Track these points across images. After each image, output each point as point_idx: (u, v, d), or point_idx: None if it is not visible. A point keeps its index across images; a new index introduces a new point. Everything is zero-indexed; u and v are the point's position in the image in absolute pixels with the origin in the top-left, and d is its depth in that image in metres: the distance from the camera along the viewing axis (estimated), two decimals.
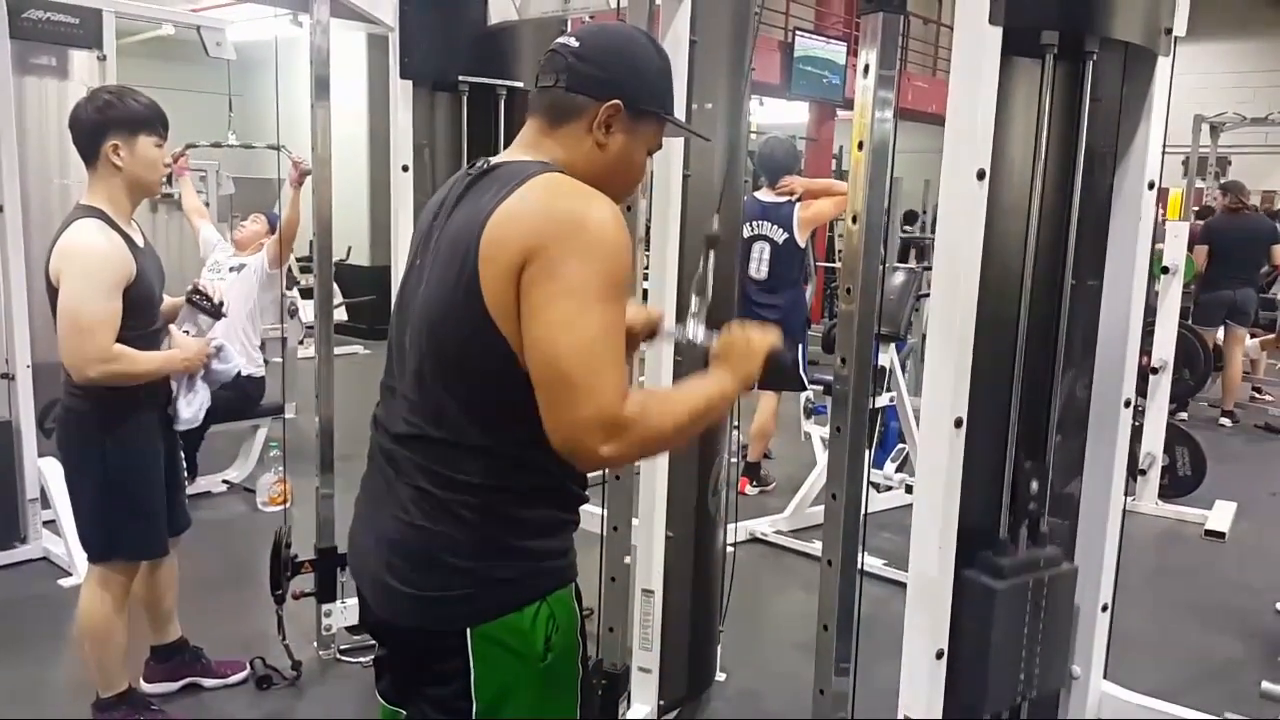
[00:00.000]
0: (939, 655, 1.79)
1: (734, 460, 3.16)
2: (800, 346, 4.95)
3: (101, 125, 2.46)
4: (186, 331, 2.84)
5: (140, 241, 2.55)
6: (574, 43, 1.41)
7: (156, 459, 2.62)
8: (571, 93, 1.40)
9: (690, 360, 2.42)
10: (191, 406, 2.75)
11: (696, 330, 1.62)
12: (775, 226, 4.78)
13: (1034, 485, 1.87)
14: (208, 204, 5.92)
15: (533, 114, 1.45)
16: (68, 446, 2.58)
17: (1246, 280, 7.11)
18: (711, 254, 1.72)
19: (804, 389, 5.02)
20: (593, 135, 1.40)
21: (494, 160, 1.43)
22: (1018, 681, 1.88)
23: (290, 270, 7.10)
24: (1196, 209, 8.45)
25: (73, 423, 2.53)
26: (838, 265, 10.65)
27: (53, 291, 2.42)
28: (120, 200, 2.51)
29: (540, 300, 1.25)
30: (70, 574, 3.73)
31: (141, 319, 2.50)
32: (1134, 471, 4.81)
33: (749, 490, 5.09)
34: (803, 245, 4.83)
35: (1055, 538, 1.95)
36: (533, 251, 1.25)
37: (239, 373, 4.59)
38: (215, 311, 2.89)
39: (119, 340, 2.41)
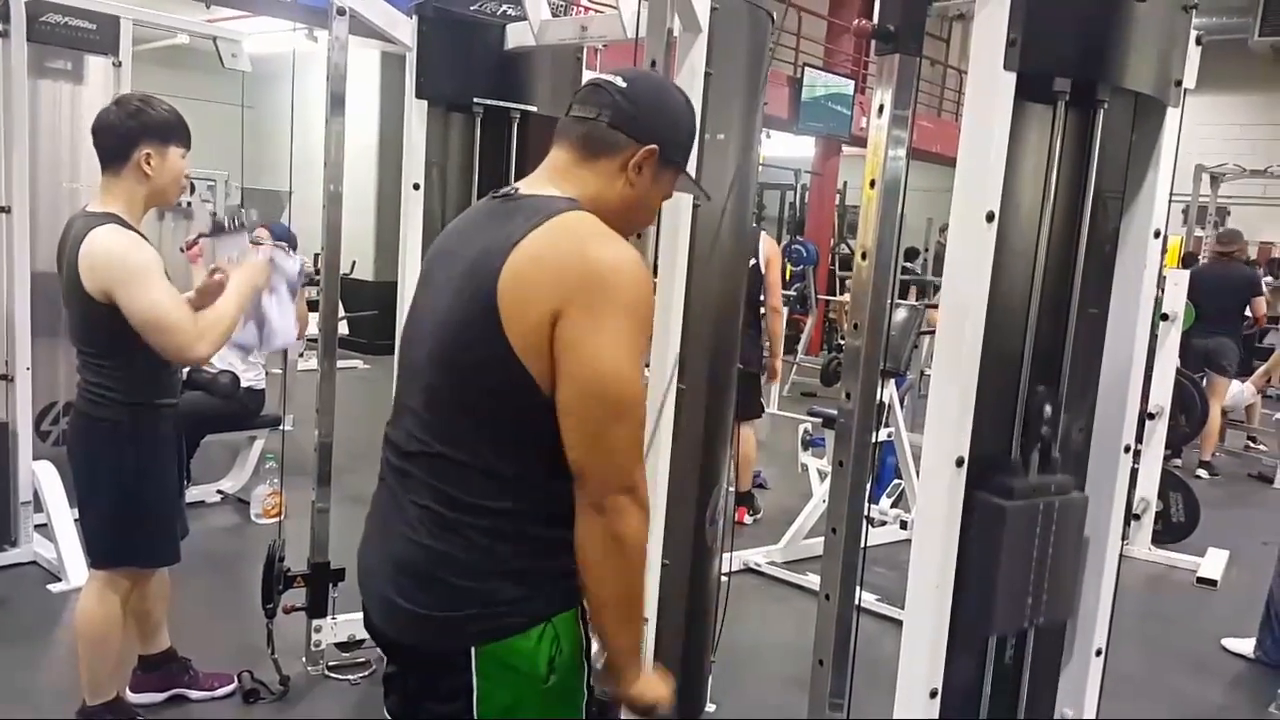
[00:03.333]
0: (932, 695, 1.79)
1: (730, 489, 3.16)
2: (760, 376, 5.01)
3: (136, 132, 2.45)
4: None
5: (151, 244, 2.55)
6: (620, 82, 1.45)
7: (171, 467, 2.62)
8: (614, 129, 1.43)
9: (693, 390, 2.44)
10: (286, 318, 2.67)
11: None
12: None
13: (1047, 410, 1.85)
14: (214, 214, 5.93)
15: (565, 142, 1.47)
16: (84, 452, 2.56)
17: (1222, 330, 6.96)
18: None
19: (760, 414, 5.10)
20: (625, 174, 1.44)
21: (521, 189, 1.45)
22: (1025, 605, 1.86)
23: None
24: (1182, 256, 8.48)
25: (90, 430, 2.52)
26: (837, 298, 10.73)
27: (82, 304, 2.40)
28: (136, 207, 2.51)
29: (586, 355, 1.31)
30: (60, 579, 3.72)
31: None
32: (1128, 516, 4.81)
33: (747, 520, 5.09)
34: (763, 272, 4.94)
35: (1067, 467, 1.94)
36: (567, 301, 1.29)
37: (238, 382, 4.60)
38: (238, 226, 2.78)
39: (136, 345, 2.39)
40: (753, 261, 4.83)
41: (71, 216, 2.53)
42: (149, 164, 2.47)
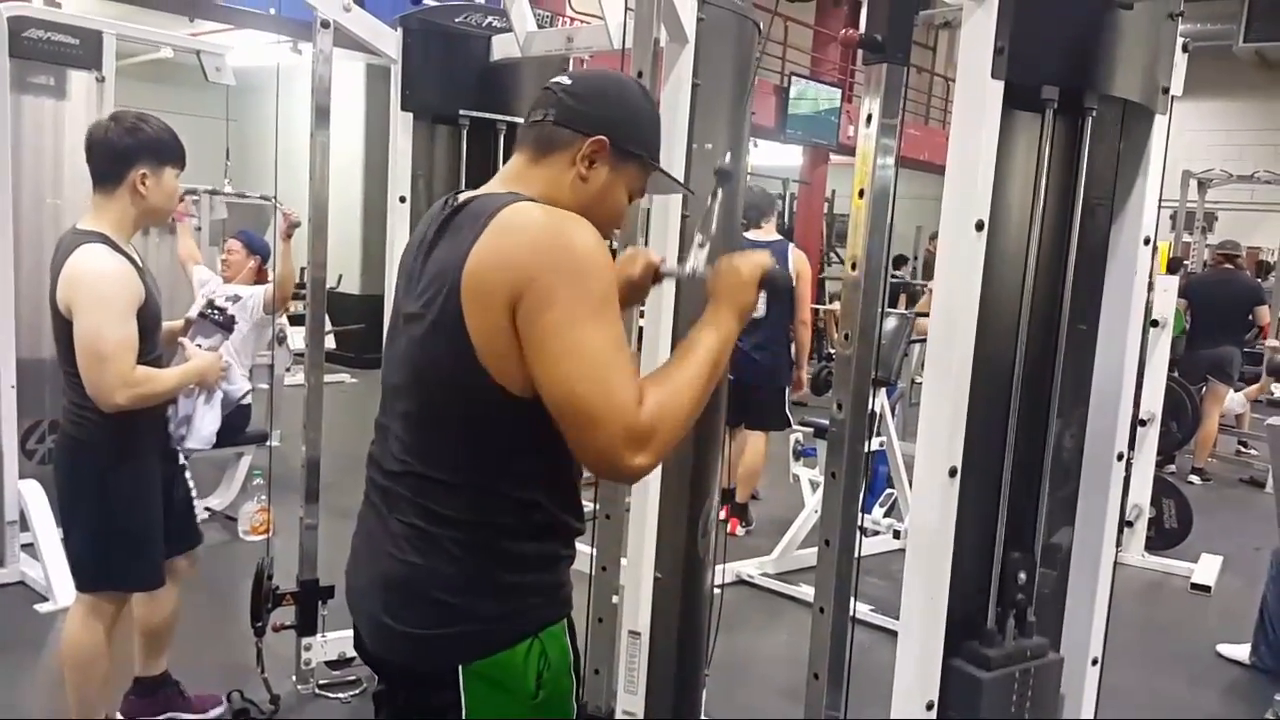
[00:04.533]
0: (929, 707, 1.77)
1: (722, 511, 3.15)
2: (786, 389, 4.98)
3: (133, 151, 2.41)
4: (199, 345, 2.80)
5: (139, 263, 2.51)
6: (566, 80, 1.45)
7: (155, 489, 2.57)
8: (559, 126, 1.42)
9: (691, 292, 2.40)
10: (206, 426, 2.71)
11: (698, 264, 1.58)
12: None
13: (1021, 576, 1.86)
14: (199, 228, 5.90)
15: (520, 147, 1.48)
16: (67, 473, 2.53)
17: (1227, 339, 7.01)
18: (719, 191, 1.69)
19: (788, 426, 5.03)
20: (576, 168, 1.42)
21: (465, 195, 1.43)
22: None
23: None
24: (1169, 261, 8.50)
25: (73, 450, 2.49)
26: (826, 306, 10.74)
27: (61, 321, 2.37)
28: (126, 225, 2.47)
29: (541, 336, 1.26)
30: (47, 599, 3.67)
31: (149, 341, 2.45)
32: (1121, 523, 4.81)
33: (739, 532, 5.07)
34: (792, 284, 4.87)
35: (1043, 626, 1.94)
36: (520, 288, 1.26)
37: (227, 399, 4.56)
38: (229, 324, 2.85)
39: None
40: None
41: (62, 234, 2.50)
42: (144, 184, 2.43)
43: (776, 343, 4.88)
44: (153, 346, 2.49)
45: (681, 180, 1.89)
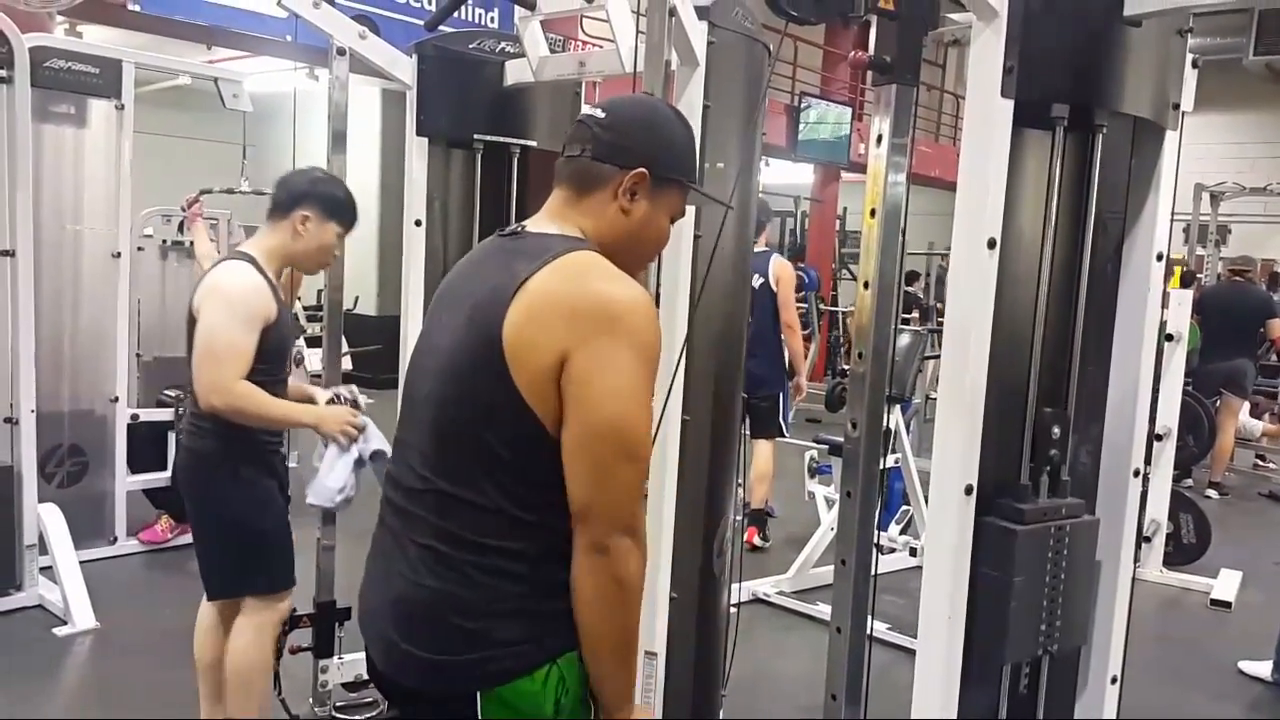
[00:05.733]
0: None
1: (738, 518, 3.14)
2: (780, 396, 4.99)
3: (305, 194, 2.56)
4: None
5: (279, 292, 2.57)
6: (600, 113, 1.45)
7: (274, 494, 2.61)
8: (597, 161, 1.43)
9: (697, 421, 2.43)
10: (329, 480, 2.61)
11: None
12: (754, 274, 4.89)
13: (1055, 431, 1.84)
14: (214, 224, 5.93)
15: (559, 183, 1.48)
16: (190, 486, 2.58)
17: (1240, 352, 6.97)
18: None
19: (782, 435, 5.10)
20: (617, 202, 1.43)
21: (526, 227, 1.45)
22: (1038, 632, 1.84)
23: (296, 318, 7.12)
24: (1182, 275, 8.47)
25: (192, 464, 2.55)
26: (838, 309, 10.74)
27: (191, 319, 2.47)
28: (275, 257, 2.57)
29: (595, 396, 1.30)
30: (66, 622, 3.69)
31: (273, 364, 2.51)
32: (1139, 539, 4.78)
33: (757, 541, 5.07)
34: (775, 291, 4.95)
35: (1078, 490, 1.92)
36: (576, 343, 1.29)
37: None
38: (355, 404, 2.83)
39: (248, 379, 2.41)
40: (760, 280, 4.84)
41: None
42: (303, 225, 2.56)
43: (763, 348, 4.91)
44: (272, 371, 2.53)
45: (718, 199, 1.91)
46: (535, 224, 1.47)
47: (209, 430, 2.49)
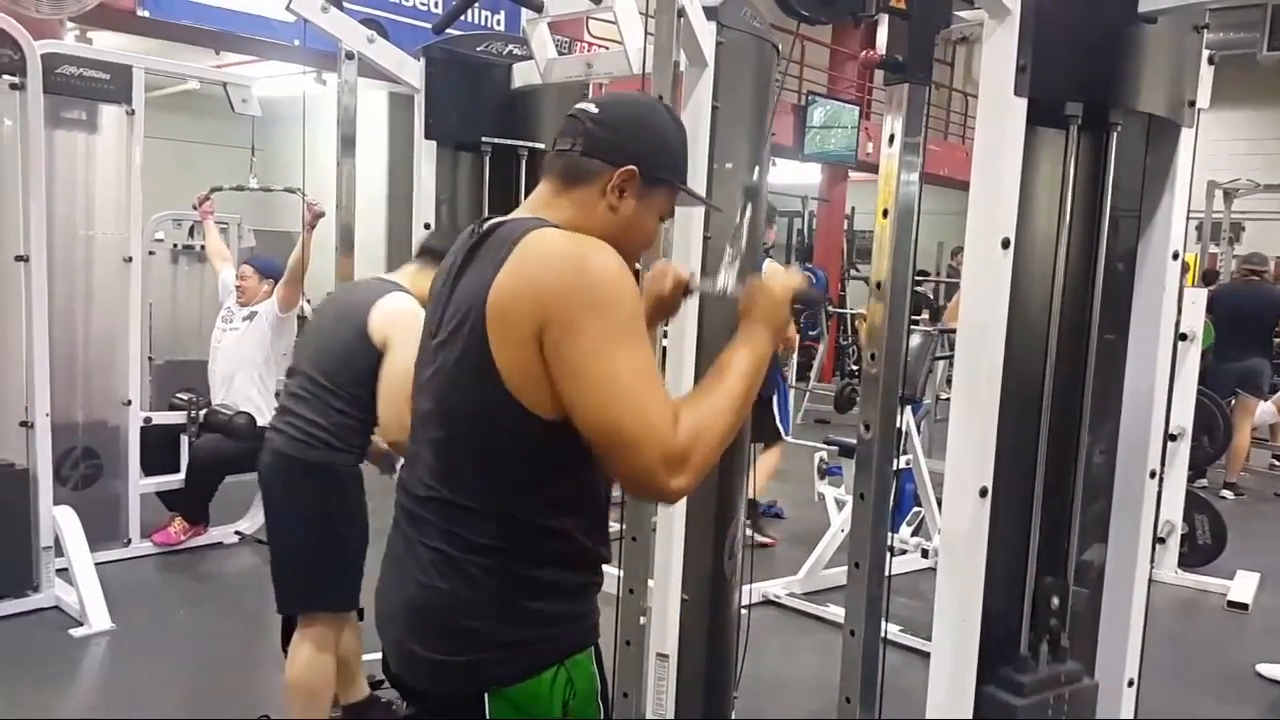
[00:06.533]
0: None
1: (748, 522, 3.13)
2: (775, 398, 4.97)
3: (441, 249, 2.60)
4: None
5: None
6: (593, 109, 1.43)
7: (364, 513, 2.63)
8: (588, 156, 1.41)
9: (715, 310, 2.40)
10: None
11: (728, 280, 1.58)
12: None
13: (1055, 600, 1.85)
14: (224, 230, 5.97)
15: (547, 175, 1.46)
16: (287, 492, 2.59)
17: (1255, 351, 6.91)
18: (749, 206, 1.68)
19: (779, 439, 5.07)
20: (605, 199, 1.41)
21: (493, 221, 1.44)
22: None
23: (305, 318, 7.15)
24: (1203, 274, 8.41)
25: (299, 472, 2.55)
26: (846, 310, 10.70)
27: (369, 351, 2.46)
28: (419, 289, 2.56)
29: (572, 365, 1.26)
30: (82, 624, 3.70)
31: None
32: (1153, 539, 4.75)
33: (757, 537, 5.06)
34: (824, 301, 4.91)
35: (1077, 645, 1.93)
36: (545, 318, 1.26)
37: (255, 422, 4.61)
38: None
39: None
40: None
41: (359, 279, 2.75)
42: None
43: None
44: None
45: (709, 202, 1.90)
46: (512, 216, 1.45)
47: (322, 442, 2.50)
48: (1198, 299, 5.12)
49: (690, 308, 2.42)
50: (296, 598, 2.64)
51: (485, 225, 1.43)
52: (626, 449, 1.26)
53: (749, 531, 5.01)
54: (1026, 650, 1.84)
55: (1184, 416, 4.89)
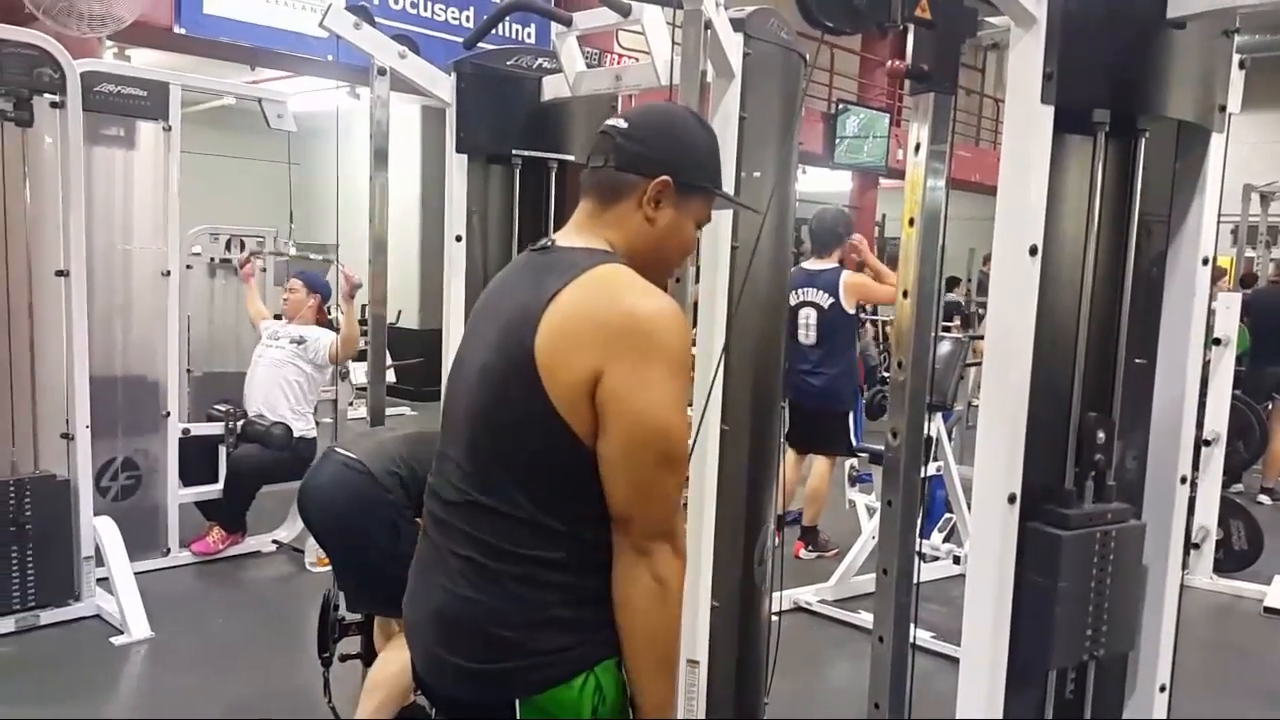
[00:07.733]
0: None
1: (787, 524, 3.14)
2: (851, 414, 4.96)
3: None
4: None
5: None
6: (622, 123, 1.46)
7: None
8: (621, 171, 1.44)
9: (736, 430, 2.43)
10: None
11: None
12: (820, 292, 4.83)
13: (1099, 436, 1.83)
14: (264, 269, 6.07)
15: (585, 194, 1.50)
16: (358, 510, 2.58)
17: None
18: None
19: (851, 454, 5.02)
20: (642, 211, 1.44)
21: (555, 241, 1.47)
22: (1084, 638, 1.82)
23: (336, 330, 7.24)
24: (1241, 277, 8.27)
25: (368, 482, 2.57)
26: (877, 317, 10.62)
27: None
28: None
29: (632, 409, 1.32)
30: (122, 632, 3.77)
31: None
32: (1187, 546, 4.69)
33: (804, 554, 5.06)
34: (851, 311, 4.87)
35: (1124, 494, 1.90)
36: (609, 357, 1.31)
37: (291, 433, 4.68)
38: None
39: None
40: (830, 300, 4.82)
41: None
42: None
43: (833, 366, 4.87)
44: None
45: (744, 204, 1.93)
46: (564, 237, 1.48)
47: None
48: (1232, 303, 5.06)
49: (719, 329, 2.44)
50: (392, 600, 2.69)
51: (550, 243, 1.47)
52: (657, 493, 1.35)
53: (805, 553, 5.03)
54: (1071, 485, 1.82)
55: (1219, 421, 4.83)
